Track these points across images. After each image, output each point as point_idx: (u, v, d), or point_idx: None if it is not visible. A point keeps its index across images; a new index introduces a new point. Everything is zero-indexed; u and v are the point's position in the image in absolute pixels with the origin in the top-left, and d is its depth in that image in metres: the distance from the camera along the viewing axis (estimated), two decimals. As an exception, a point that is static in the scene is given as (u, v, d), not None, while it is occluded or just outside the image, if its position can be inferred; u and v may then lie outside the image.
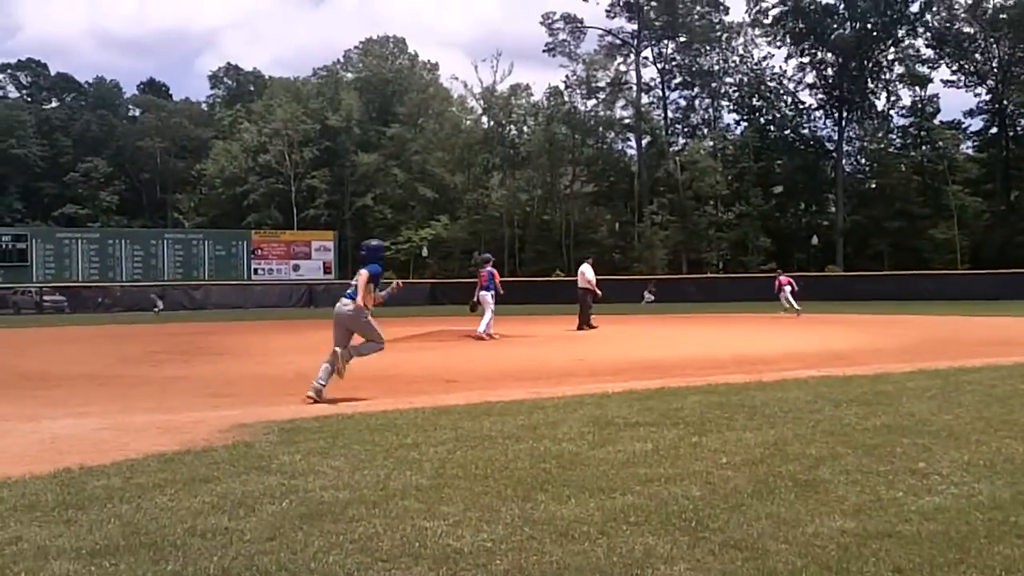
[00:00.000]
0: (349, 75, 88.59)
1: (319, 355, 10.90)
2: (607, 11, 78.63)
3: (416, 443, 7.06)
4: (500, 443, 7.01)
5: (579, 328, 24.96)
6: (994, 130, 75.66)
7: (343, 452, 6.76)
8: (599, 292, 26.08)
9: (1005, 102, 73.39)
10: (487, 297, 22.54)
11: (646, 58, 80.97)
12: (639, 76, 79.98)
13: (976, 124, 76.74)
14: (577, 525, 4.67)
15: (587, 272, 26.12)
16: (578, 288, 26.12)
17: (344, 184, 79.63)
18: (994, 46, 73.85)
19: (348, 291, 10.67)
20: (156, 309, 47.13)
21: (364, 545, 4.38)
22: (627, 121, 78.63)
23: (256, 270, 66.44)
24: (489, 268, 23.58)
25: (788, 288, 33.98)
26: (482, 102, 78.63)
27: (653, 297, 55.24)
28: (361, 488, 5.57)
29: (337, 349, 10.22)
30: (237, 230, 71.47)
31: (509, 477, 5.80)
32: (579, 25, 79.66)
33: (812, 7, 75.91)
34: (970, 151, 78.21)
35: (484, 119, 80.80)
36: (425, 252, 72.93)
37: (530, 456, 6.51)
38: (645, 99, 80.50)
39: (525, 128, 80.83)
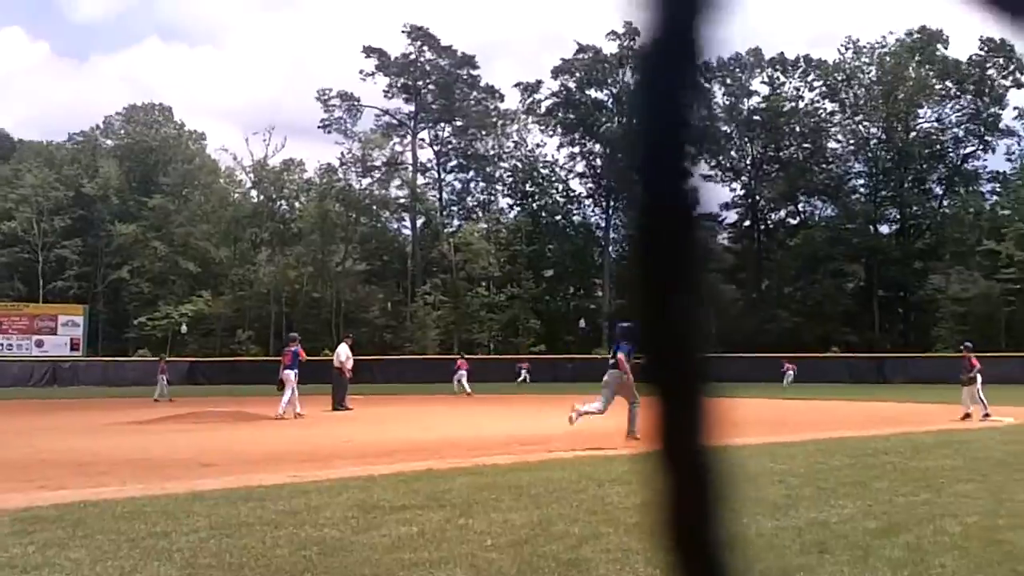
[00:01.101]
0: (109, 142, 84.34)
1: (62, 435, 10.12)
2: (384, 91, 79.91)
3: (166, 531, 6.61)
4: (258, 530, 6.68)
5: (333, 409, 24.70)
6: (747, 223, 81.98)
7: (84, 543, 6.23)
8: (349, 373, 26.01)
9: (757, 197, 79.84)
10: (290, 376, 22.43)
11: (422, 139, 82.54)
12: (415, 157, 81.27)
13: (731, 216, 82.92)
14: (337, 615, 4.48)
15: (341, 352, 26.08)
16: (332, 368, 25.87)
17: (98, 255, 75.41)
18: (748, 144, 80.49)
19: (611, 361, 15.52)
20: None
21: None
22: (402, 201, 79.34)
23: (-6, 345, 61.48)
24: (294, 347, 23.49)
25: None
26: (252, 175, 77.18)
27: (527, 376, 56.10)
28: (102, 583, 5.13)
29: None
30: (-29, 302, 66.04)
31: (267, 566, 5.53)
32: (356, 103, 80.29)
33: (583, 101, 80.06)
34: (725, 242, 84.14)
35: (254, 193, 79.22)
36: (184, 329, 69.74)
37: (290, 543, 6.23)
38: (421, 180, 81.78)
39: (297, 204, 79.87)
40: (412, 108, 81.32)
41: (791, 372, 50.45)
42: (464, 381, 37.08)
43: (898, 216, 76.98)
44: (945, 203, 75.30)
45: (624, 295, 76.99)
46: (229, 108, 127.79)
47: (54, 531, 6.63)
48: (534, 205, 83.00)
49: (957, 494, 8.56)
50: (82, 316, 66.24)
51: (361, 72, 80.00)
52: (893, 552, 6.01)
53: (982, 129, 74.11)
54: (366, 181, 77.73)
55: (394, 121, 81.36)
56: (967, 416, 19.16)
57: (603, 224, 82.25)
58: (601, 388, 16.09)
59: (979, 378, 19.60)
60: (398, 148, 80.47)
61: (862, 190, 77.79)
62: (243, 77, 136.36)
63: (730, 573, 0.44)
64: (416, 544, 6.23)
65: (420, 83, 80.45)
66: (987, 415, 19.03)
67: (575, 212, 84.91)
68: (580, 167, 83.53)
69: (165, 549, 6.03)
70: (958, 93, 74.51)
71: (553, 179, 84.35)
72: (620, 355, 15.02)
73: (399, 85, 79.92)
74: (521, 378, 55.24)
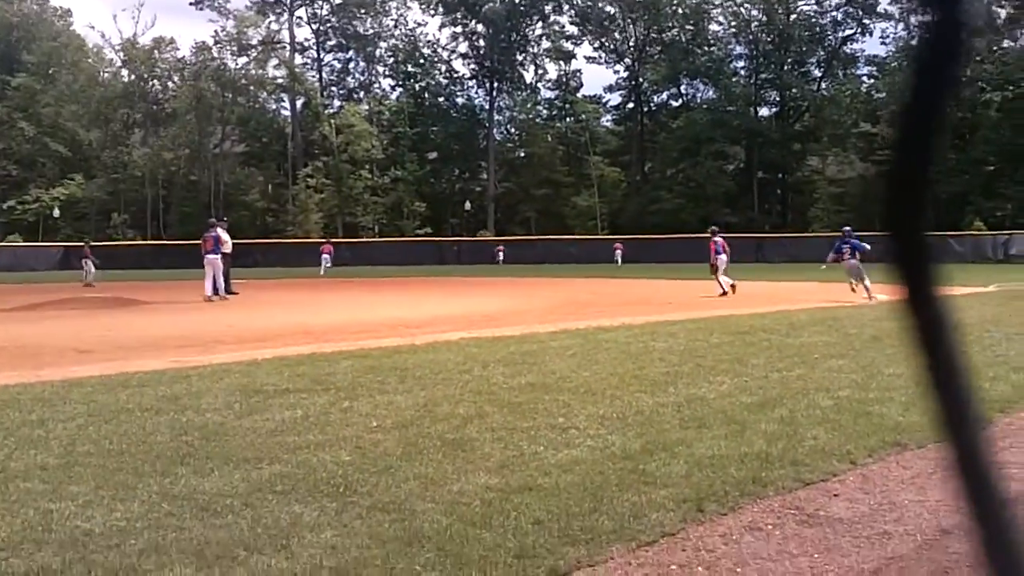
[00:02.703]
0: (-34, 17, 78.81)
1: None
2: (261, -34, 76.38)
3: (42, 420, 6.43)
4: (138, 416, 6.57)
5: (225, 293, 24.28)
6: (630, 105, 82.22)
7: (-47, 433, 6.02)
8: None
9: (640, 79, 79.94)
10: (212, 260, 22.86)
11: (300, 18, 79.72)
12: (292, 36, 78.63)
13: (615, 99, 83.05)
14: (220, 498, 4.47)
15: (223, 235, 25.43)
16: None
17: (-38, 138, 71.20)
18: (631, 26, 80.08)
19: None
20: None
21: (-24, 534, 3.93)
22: (280, 81, 76.86)
23: None
24: (215, 232, 23.67)
25: None
26: (122, 54, 73.51)
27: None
28: (-27, 473, 4.98)
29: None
30: None
31: (147, 452, 5.45)
32: (230, -22, 76.64)
33: (463, -22, 78.24)
34: (609, 124, 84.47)
35: (124, 72, 75.55)
36: (57, 213, 66.95)
37: (171, 429, 6.15)
38: (299, 60, 79.30)
39: (170, 84, 76.58)
40: (289, -17, 78.22)
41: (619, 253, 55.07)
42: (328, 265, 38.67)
43: (778, 99, 78.49)
44: (823, 86, 77.02)
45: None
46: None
47: (-80, 423, 6.38)
48: (416, 87, 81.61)
49: (830, 369, 8.96)
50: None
51: (234, -56, 76.16)
52: (768, 425, 6.27)
53: (860, 12, 75.51)
54: (242, 61, 75.23)
55: (270, -2, 78.20)
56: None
57: (487, 106, 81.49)
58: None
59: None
60: (275, 26, 77.83)
61: (743, 72, 78.84)
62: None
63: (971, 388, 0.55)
64: (300, 427, 6.22)
65: (297, -44, 77.24)
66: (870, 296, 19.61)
67: (459, 93, 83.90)
68: (463, 48, 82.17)
69: (42, 437, 5.87)
70: (838, -25, 75.52)
71: (435, 60, 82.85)
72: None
73: (276, -42, 76.60)
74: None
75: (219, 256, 22.96)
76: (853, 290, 20.11)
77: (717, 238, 23.76)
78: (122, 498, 4.47)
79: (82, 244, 39.98)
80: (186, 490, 4.63)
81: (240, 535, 3.95)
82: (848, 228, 21.88)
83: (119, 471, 5.00)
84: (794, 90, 76.16)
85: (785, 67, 76.39)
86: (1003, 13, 62.92)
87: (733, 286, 22.40)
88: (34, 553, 3.71)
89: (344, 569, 3.55)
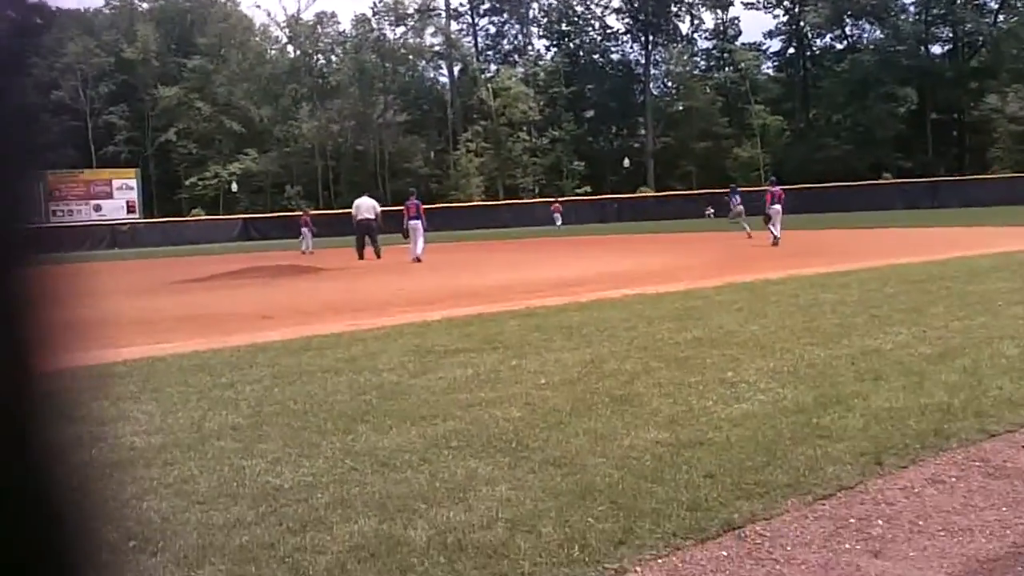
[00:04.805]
0: (145, 5, 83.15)
1: (127, 297, 10.34)
2: (413, -65, 77.31)
3: (231, 383, 6.81)
4: (319, 377, 6.87)
5: (377, 256, 25.48)
6: (791, 51, 79.31)
7: (154, 396, 6.46)
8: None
9: (802, 23, 76.93)
10: (417, 225, 24.02)
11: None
12: (448, 2, 79.31)
13: (775, 45, 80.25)
14: (399, 454, 4.64)
15: (371, 204, 27.02)
16: (368, 219, 26.55)
17: (145, 119, 75.45)
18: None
19: None
20: None
21: (179, 488, 4.22)
22: (437, 49, 77.98)
23: (55, 212, 62.44)
24: (415, 200, 24.83)
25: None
26: (287, 31, 76.13)
27: (560, 219, 56.14)
28: (175, 431, 5.34)
29: None
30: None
31: (329, 411, 5.70)
32: (384, -50, 78.01)
33: (616, -68, 77.00)
34: (770, 72, 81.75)
35: (290, 48, 78.28)
36: (235, 187, 70.46)
37: (350, 389, 6.41)
38: (455, 26, 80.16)
39: (333, 57, 78.88)
40: (441, -49, 78.98)
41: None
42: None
43: (950, 35, 73.99)
44: (1000, 18, 71.93)
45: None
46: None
47: (126, 386, 6.84)
48: (571, 45, 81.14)
49: (1015, 316, 8.49)
50: (135, 179, 66.95)
51: (387, -85, 77.33)
52: (949, 376, 5.99)
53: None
54: (400, 30, 76.58)
55: (424, -35, 79.18)
56: None
57: (642, 61, 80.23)
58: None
59: None
60: (430, -6, 78.61)
61: (912, 9, 74.47)
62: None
63: None
64: (471, 385, 6.36)
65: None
66: None
67: (613, 50, 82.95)
68: (616, 2, 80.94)
69: (231, 399, 6.23)
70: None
71: (589, 17, 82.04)
72: None
73: (427, -73, 77.35)
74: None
75: (420, 221, 24.19)
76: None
77: (775, 188, 24.39)
78: (307, 455, 4.70)
79: (302, 212, 39.34)
80: (367, 447, 4.82)
81: (419, 489, 4.09)
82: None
83: (304, 430, 5.26)
84: (968, 25, 71.36)
85: (958, 1, 71.70)
86: None
87: (777, 239, 23.10)
88: (230, 507, 3.94)
89: (520, 520, 3.63)
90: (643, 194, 66.67)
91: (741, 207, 29.15)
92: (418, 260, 23.36)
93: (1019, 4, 71.37)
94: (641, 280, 14.73)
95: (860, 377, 6.13)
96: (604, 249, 27.18)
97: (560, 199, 62.34)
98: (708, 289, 12.22)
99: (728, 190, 30.50)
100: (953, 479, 4.09)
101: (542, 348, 7.81)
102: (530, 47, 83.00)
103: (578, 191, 69.93)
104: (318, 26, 76.70)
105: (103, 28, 78.00)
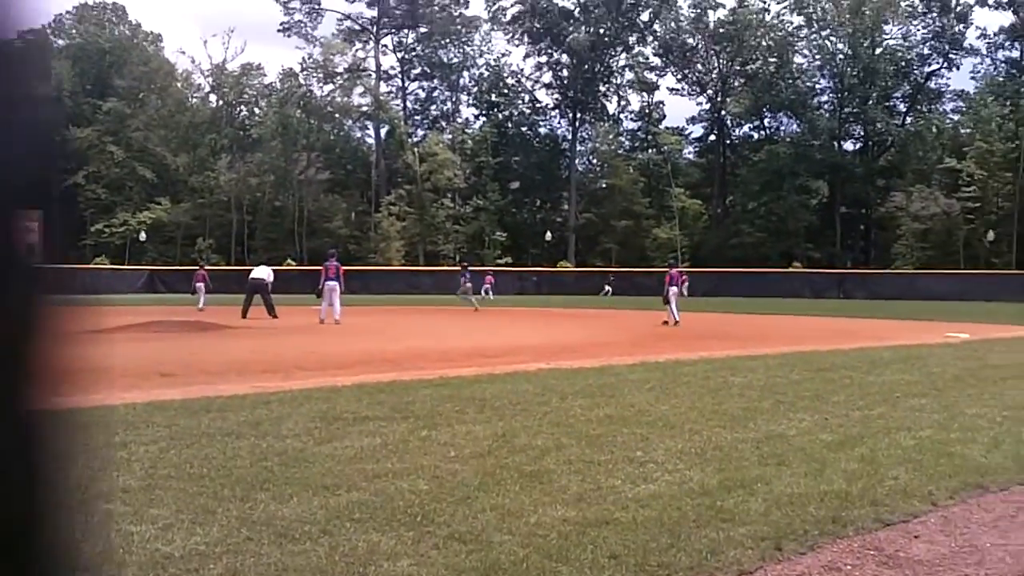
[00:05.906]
0: (60, 42, 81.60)
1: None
2: (346, -7, 78.11)
3: (125, 442, 6.53)
4: (219, 440, 6.64)
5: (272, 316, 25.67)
6: (712, 137, 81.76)
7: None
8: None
9: (723, 111, 79.43)
10: (334, 287, 24.38)
11: (385, 46, 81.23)
12: (378, 64, 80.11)
13: (697, 131, 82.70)
14: (298, 524, 4.49)
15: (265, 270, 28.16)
16: (261, 279, 27.12)
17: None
18: (715, 58, 79.76)
19: None
20: None
21: (59, 555, 3.99)
22: (365, 109, 78.20)
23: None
24: (336, 261, 25.23)
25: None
26: (211, 79, 75.64)
27: (610, 289, 56.95)
28: (57, 492, 5.07)
29: None
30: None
31: (227, 476, 5.50)
32: (317, 6, 78.91)
33: (549, 9, 78.86)
34: (691, 156, 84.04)
35: (212, 97, 77.64)
36: (143, 237, 68.84)
37: (251, 454, 6.20)
38: (384, 88, 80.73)
39: (257, 110, 78.50)
40: (375, 13, 79.81)
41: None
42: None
43: (862, 133, 77.24)
44: (908, 120, 75.54)
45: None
46: (186, 9, 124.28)
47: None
48: (500, 116, 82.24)
49: (912, 408, 8.72)
50: (35, 223, 64.90)
51: (322, -26, 78.00)
52: (848, 464, 6.12)
53: (947, 47, 74.09)
54: (328, 88, 76.80)
55: (356, 26, 79.90)
56: None
57: (569, 136, 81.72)
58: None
59: None
60: (360, 54, 79.40)
61: (827, 106, 77.73)
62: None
63: None
64: (379, 455, 6.22)
65: (383, -13, 78.68)
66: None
67: (542, 123, 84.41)
68: (546, 78, 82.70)
69: (124, 459, 5.96)
70: (924, 10, 74.23)
71: (519, 89, 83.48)
72: None
73: (361, -12, 78.16)
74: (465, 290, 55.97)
75: (338, 282, 24.52)
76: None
77: (672, 271, 25.54)
78: (201, 522, 4.51)
79: (198, 267, 39.00)
80: (265, 516, 4.66)
81: (317, 562, 3.95)
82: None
83: (199, 495, 5.06)
84: (879, 125, 74.71)
85: (870, 101, 74.98)
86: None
87: (677, 321, 23.90)
88: (115, 575, 3.75)
89: (420, 603, 3.51)
90: (563, 268, 67.28)
91: (469, 284, 34.02)
92: (336, 322, 23.35)
93: (925, 109, 74.91)
94: (557, 354, 14.76)
95: (764, 461, 6.19)
96: (523, 320, 27.27)
97: (490, 268, 62.44)
98: (622, 367, 12.28)
99: (460, 268, 35.67)
100: (848, 567, 4.13)
101: (453, 419, 7.70)
102: (459, 114, 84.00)
103: (499, 261, 70.31)
104: (244, 77, 76.36)
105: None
